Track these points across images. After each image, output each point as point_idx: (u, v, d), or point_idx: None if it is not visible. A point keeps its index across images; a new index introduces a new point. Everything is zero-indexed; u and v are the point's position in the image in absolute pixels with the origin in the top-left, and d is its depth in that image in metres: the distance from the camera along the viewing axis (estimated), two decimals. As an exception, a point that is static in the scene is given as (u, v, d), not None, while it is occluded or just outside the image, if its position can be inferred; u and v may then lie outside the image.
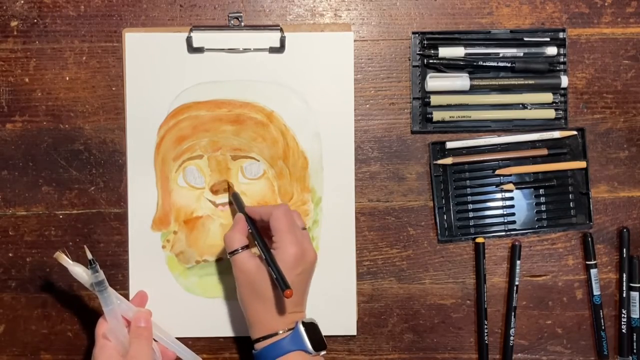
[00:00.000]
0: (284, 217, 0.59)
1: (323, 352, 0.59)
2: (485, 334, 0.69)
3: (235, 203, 0.65)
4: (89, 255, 0.58)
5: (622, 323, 0.69)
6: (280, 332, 0.58)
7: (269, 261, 0.57)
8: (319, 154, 0.68)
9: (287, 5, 0.68)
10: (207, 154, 0.67)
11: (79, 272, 0.59)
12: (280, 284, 0.55)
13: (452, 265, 0.69)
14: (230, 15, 0.68)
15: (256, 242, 0.60)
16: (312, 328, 0.58)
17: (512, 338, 0.69)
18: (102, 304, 0.59)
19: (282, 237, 0.58)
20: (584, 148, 0.69)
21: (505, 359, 0.69)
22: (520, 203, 0.70)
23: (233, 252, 0.60)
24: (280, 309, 0.58)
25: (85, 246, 0.59)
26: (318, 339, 0.58)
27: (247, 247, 0.60)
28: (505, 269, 0.70)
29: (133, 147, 0.67)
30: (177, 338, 0.68)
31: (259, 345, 0.59)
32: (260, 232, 0.61)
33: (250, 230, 0.61)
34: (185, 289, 0.68)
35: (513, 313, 0.69)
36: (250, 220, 0.62)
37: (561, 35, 0.69)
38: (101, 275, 0.59)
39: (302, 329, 0.58)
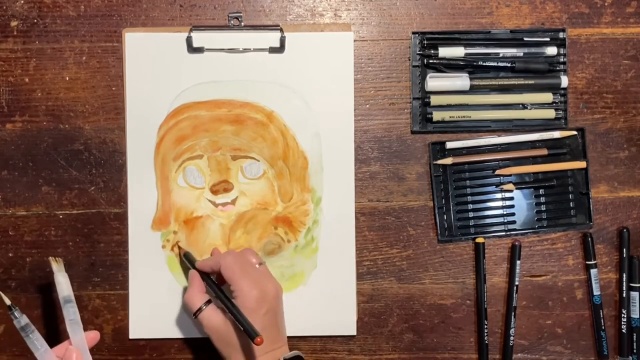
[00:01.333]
0: (234, 263, 0.59)
1: None
2: (485, 334, 0.69)
3: (187, 261, 0.65)
4: (7, 302, 0.54)
5: (622, 323, 0.69)
6: None
7: (233, 313, 0.57)
8: (319, 154, 0.68)
9: (287, 5, 0.68)
10: (207, 154, 0.67)
11: (61, 281, 0.57)
12: (249, 334, 0.55)
13: (452, 265, 0.69)
14: (230, 15, 0.68)
15: (215, 295, 0.60)
16: None
17: (512, 338, 0.69)
18: (31, 348, 0.54)
19: (237, 283, 0.58)
20: (584, 148, 0.69)
21: (505, 359, 0.69)
22: (520, 203, 0.70)
23: (197, 312, 0.60)
24: (259, 352, 0.58)
25: (0, 292, 0.54)
26: None
27: (209, 302, 0.60)
28: (505, 269, 0.70)
29: (133, 147, 0.67)
30: (177, 338, 0.68)
31: None
32: (217, 284, 0.61)
33: (206, 285, 0.62)
34: (185, 289, 0.68)
35: (513, 313, 0.69)
36: (205, 274, 0.62)
37: (561, 35, 0.69)
38: (24, 320, 0.54)
39: None
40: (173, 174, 0.68)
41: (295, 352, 0.59)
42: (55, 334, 0.68)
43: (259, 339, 0.54)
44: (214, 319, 0.59)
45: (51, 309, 0.68)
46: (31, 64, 0.68)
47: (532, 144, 0.69)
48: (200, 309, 0.60)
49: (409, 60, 0.69)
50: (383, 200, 0.69)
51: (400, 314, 0.70)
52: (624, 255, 0.69)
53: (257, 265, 0.62)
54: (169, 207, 0.68)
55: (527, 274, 0.70)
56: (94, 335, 0.57)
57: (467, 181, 0.69)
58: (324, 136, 0.68)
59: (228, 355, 0.59)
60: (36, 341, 0.54)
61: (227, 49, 0.67)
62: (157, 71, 0.67)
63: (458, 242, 0.69)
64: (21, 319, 0.54)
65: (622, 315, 0.69)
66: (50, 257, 0.58)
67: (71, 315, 0.56)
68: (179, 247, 0.68)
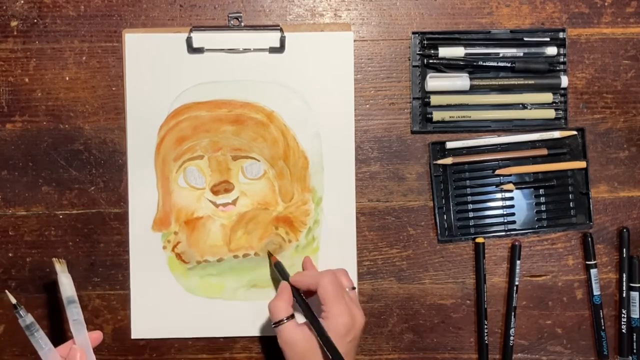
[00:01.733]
0: (331, 285, 0.58)
1: None
2: (485, 334, 0.69)
3: (279, 272, 0.64)
4: (13, 300, 0.54)
5: (622, 323, 0.69)
6: None
7: (323, 335, 0.56)
8: (319, 153, 0.68)
9: (287, 5, 0.68)
10: (208, 155, 0.67)
11: (64, 282, 0.57)
12: (334, 358, 0.55)
13: (452, 265, 0.69)
14: (230, 15, 0.68)
15: (304, 314, 0.59)
16: None
17: (512, 338, 0.69)
18: (35, 347, 0.55)
19: (331, 307, 0.57)
20: (584, 148, 0.69)
21: (505, 359, 0.69)
22: (520, 203, 0.70)
23: (278, 323, 0.58)
24: None
25: (6, 291, 0.56)
26: None
27: (292, 316, 0.59)
28: (505, 269, 0.70)
29: (133, 148, 0.67)
30: (177, 338, 0.68)
31: None
32: (307, 303, 0.60)
33: (295, 301, 0.60)
34: (186, 290, 0.68)
35: (513, 313, 0.69)
36: (296, 289, 0.61)
37: (561, 35, 0.69)
38: (29, 319, 0.54)
39: None
40: (174, 174, 0.68)
41: None
42: (55, 334, 0.68)
43: None
44: (295, 335, 0.58)
45: (51, 309, 0.68)
46: (31, 64, 0.67)
47: (532, 144, 0.69)
48: (281, 321, 0.58)
49: (409, 60, 0.69)
50: (383, 200, 0.69)
51: (400, 314, 0.70)
52: (624, 255, 0.69)
53: (347, 289, 0.61)
54: (169, 208, 0.68)
55: (527, 274, 0.70)
56: (97, 336, 0.57)
57: (467, 181, 0.70)
58: (325, 136, 0.68)
59: None
60: (40, 340, 0.54)
61: (227, 49, 0.67)
62: (157, 71, 0.67)
63: (458, 242, 0.69)
64: (26, 318, 0.54)
65: (622, 315, 0.69)
66: (53, 258, 0.57)
67: (75, 315, 0.56)
68: (270, 254, 0.67)
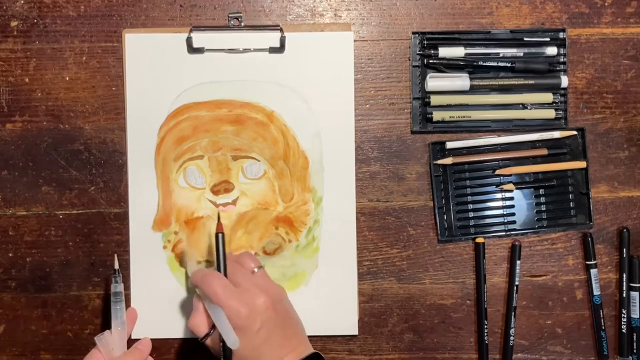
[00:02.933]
0: (217, 286, 0.57)
1: None
2: (485, 334, 0.69)
3: (216, 247, 0.61)
4: (116, 265, 0.63)
5: (622, 323, 0.69)
6: None
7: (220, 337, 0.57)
8: (319, 153, 0.68)
9: (287, 5, 0.68)
10: (208, 154, 0.67)
11: (191, 263, 0.65)
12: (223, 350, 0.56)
13: (452, 265, 0.69)
14: (230, 15, 0.68)
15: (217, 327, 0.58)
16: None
17: (512, 338, 0.69)
18: (112, 315, 0.62)
19: (225, 306, 0.56)
20: (584, 148, 0.69)
21: (505, 359, 0.69)
22: (520, 203, 0.70)
23: (205, 337, 0.59)
24: None
25: (115, 255, 0.64)
26: None
27: (214, 326, 0.58)
28: (505, 269, 0.70)
29: (133, 148, 0.67)
30: (177, 338, 0.68)
31: None
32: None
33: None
34: (186, 289, 0.68)
35: (513, 313, 0.69)
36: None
37: (561, 35, 0.69)
38: (119, 287, 0.62)
39: None
40: (174, 174, 0.68)
41: (310, 352, 0.59)
42: (55, 334, 0.68)
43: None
44: (218, 344, 0.58)
45: (51, 308, 0.68)
46: (31, 64, 0.67)
47: (532, 144, 0.69)
48: (207, 335, 0.59)
49: (409, 60, 0.69)
50: (383, 200, 0.69)
51: (400, 314, 0.70)
52: (624, 255, 0.69)
53: (255, 270, 0.61)
54: (169, 208, 0.68)
55: (527, 274, 0.70)
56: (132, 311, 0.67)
57: (467, 181, 0.70)
58: (325, 136, 0.68)
59: None
60: (120, 310, 0.62)
61: (227, 49, 0.67)
62: (157, 71, 0.67)
63: (458, 242, 0.69)
64: (118, 285, 0.62)
65: (622, 315, 0.69)
66: (184, 249, 0.67)
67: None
68: (219, 219, 0.64)
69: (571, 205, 0.70)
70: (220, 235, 0.60)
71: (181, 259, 0.68)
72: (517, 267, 0.69)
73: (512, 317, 0.69)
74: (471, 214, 0.70)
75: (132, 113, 0.67)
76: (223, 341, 0.57)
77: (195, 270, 0.61)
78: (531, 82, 0.68)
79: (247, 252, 0.64)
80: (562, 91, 0.69)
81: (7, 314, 0.69)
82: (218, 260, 0.60)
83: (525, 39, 0.68)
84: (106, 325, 0.68)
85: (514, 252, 0.69)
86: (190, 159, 0.67)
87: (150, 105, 0.67)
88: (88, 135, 0.68)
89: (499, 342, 0.70)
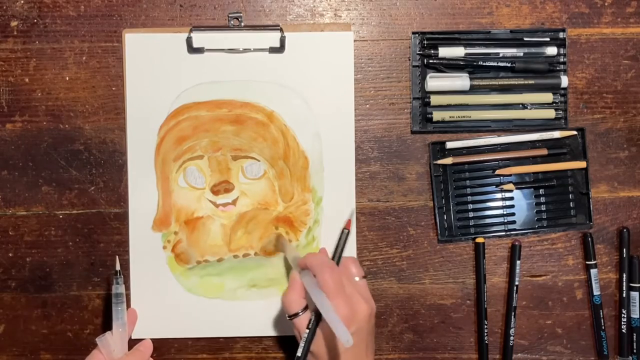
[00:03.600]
0: (330, 279, 0.57)
1: None
2: (485, 334, 0.69)
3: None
4: (117, 266, 0.63)
5: (622, 323, 0.69)
6: None
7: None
8: (319, 153, 0.68)
9: (287, 5, 0.68)
10: (208, 154, 0.67)
11: (291, 254, 0.63)
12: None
13: (452, 265, 0.69)
14: (230, 15, 0.68)
15: (314, 307, 0.59)
16: None
17: (512, 338, 0.69)
18: (113, 316, 0.63)
19: (331, 299, 0.57)
20: (584, 148, 0.69)
21: (505, 359, 0.69)
22: (520, 203, 0.70)
23: (293, 316, 0.59)
24: None
25: (116, 256, 0.64)
26: None
27: (306, 308, 0.59)
28: (505, 269, 0.70)
29: (133, 148, 0.67)
30: (177, 338, 0.68)
31: None
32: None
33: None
34: (186, 289, 0.68)
35: (513, 313, 0.69)
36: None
37: (561, 35, 0.69)
38: (120, 288, 0.63)
39: None
40: (173, 174, 0.68)
41: None
42: (55, 334, 0.68)
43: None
44: (304, 327, 0.58)
45: (51, 308, 0.68)
46: (31, 64, 0.67)
47: (532, 144, 0.69)
48: (296, 314, 0.59)
49: (409, 60, 0.69)
50: (383, 200, 0.69)
51: (400, 314, 0.70)
52: (624, 255, 0.69)
53: (356, 278, 0.61)
54: (169, 208, 0.68)
55: (527, 274, 0.70)
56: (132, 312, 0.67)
57: (467, 181, 0.70)
58: (325, 136, 0.68)
59: None
60: (121, 312, 0.63)
61: (227, 49, 0.67)
62: (157, 71, 0.67)
63: (458, 242, 0.69)
64: (120, 287, 0.63)
65: (622, 315, 0.69)
66: (278, 235, 0.67)
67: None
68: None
69: (571, 205, 0.70)
70: (345, 231, 0.64)
71: (277, 243, 0.68)
72: (517, 267, 0.69)
73: (512, 317, 0.69)
74: (471, 214, 0.70)
75: (132, 113, 0.67)
76: (311, 328, 0.58)
77: (303, 254, 0.63)
78: (531, 82, 0.68)
79: (353, 258, 0.64)
80: (562, 91, 0.69)
81: (7, 314, 0.69)
82: (335, 255, 0.63)
83: (525, 39, 0.68)
84: (106, 325, 0.68)
85: (514, 252, 0.69)
86: (190, 159, 0.67)
87: (150, 105, 0.67)
88: (88, 135, 0.68)
89: (499, 342, 0.70)
